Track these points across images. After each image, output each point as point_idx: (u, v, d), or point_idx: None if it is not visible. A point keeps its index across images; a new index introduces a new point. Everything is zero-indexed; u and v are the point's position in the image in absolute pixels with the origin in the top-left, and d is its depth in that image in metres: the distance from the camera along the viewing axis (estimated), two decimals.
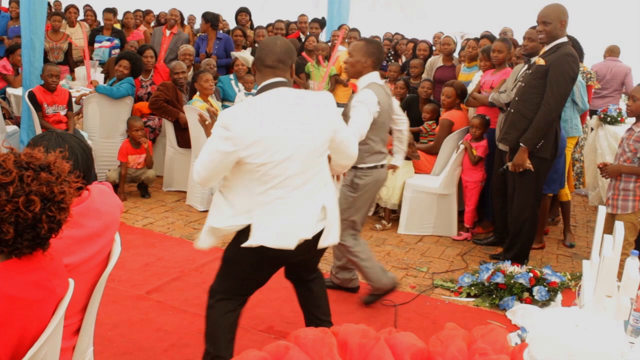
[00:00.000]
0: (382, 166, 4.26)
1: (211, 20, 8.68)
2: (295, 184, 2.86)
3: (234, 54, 7.98)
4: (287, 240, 2.85)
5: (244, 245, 2.84)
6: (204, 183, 2.91)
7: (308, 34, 9.49)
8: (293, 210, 2.87)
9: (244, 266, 3.02)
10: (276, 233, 2.84)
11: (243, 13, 9.42)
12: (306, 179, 2.89)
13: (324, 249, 3.12)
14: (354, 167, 4.14)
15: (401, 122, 4.64)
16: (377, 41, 4.47)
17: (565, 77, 4.75)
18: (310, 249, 2.98)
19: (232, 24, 10.34)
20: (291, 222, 2.86)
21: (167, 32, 9.11)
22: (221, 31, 8.97)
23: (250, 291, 3.21)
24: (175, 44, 9.02)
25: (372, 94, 4.04)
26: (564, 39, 4.83)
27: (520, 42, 6.16)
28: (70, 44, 8.69)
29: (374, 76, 4.19)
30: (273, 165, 2.78)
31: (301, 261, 3.18)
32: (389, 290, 4.40)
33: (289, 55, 2.95)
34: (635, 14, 9.80)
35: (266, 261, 2.97)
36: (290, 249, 2.84)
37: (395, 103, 4.51)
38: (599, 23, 9.90)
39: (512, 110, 5.11)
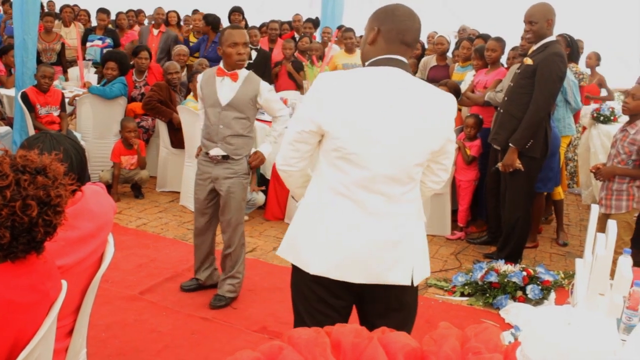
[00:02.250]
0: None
1: (212, 22, 8.68)
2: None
3: None
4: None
5: None
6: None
7: (302, 34, 9.50)
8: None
9: None
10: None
11: (236, 13, 9.41)
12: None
13: None
14: None
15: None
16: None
17: (552, 77, 4.76)
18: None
19: (225, 24, 10.33)
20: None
21: (155, 32, 9.10)
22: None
23: None
24: (165, 42, 9.02)
25: (265, 82, 4.17)
26: (552, 38, 4.84)
27: (509, 41, 6.20)
28: (63, 45, 8.67)
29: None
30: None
31: None
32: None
33: (418, 38, 2.49)
34: (636, 14, 9.82)
35: None
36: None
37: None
38: (599, 23, 9.91)
39: (501, 111, 5.13)
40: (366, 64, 2.41)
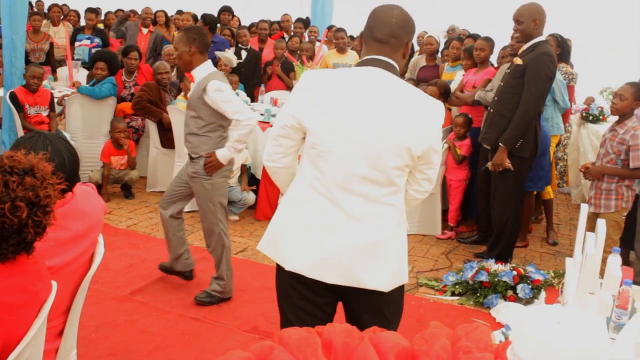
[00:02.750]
0: None
1: (210, 23, 8.67)
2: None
3: (218, 53, 7.95)
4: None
5: None
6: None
7: (292, 34, 9.49)
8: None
9: None
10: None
11: (225, 12, 9.39)
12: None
13: None
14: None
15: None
16: (193, 26, 4.50)
17: (542, 77, 4.78)
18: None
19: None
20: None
21: (145, 31, 9.07)
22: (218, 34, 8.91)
23: None
24: (154, 41, 8.99)
25: (223, 83, 4.09)
26: (541, 38, 4.87)
27: (499, 41, 6.22)
28: (51, 44, 8.63)
29: (210, 65, 4.16)
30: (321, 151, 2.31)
31: None
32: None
33: (406, 30, 2.37)
34: (635, 14, 9.85)
35: None
36: None
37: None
38: (599, 23, 9.95)
39: (491, 110, 5.15)
40: (360, 60, 2.42)
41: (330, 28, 9.39)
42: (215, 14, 9.43)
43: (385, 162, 2.27)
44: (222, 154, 4.13)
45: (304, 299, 2.40)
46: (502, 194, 5.15)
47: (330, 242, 2.30)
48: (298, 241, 2.34)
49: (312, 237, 2.32)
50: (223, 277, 4.33)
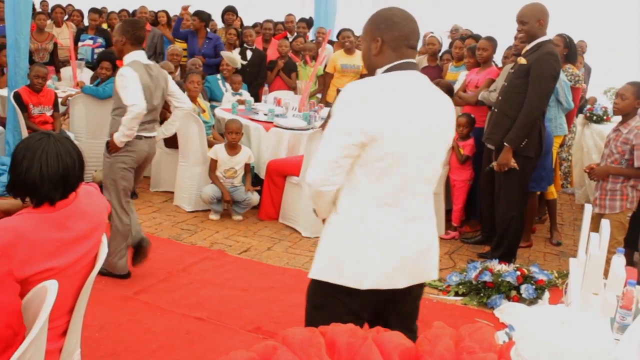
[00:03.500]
0: (141, 137, 4.48)
1: (206, 19, 8.68)
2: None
3: (222, 54, 7.97)
4: None
5: None
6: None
7: (296, 34, 9.49)
8: None
9: None
10: None
11: (230, 12, 9.40)
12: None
13: None
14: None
15: (179, 101, 4.81)
16: (131, 19, 4.78)
17: (546, 76, 4.78)
18: None
19: (219, 24, 10.31)
20: None
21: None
22: (209, 30, 8.95)
23: None
24: (151, 40, 9.00)
25: (131, 70, 4.27)
26: (545, 38, 4.86)
27: (502, 41, 6.21)
28: (55, 44, 8.64)
29: (137, 55, 4.41)
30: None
31: None
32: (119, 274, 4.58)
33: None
34: (636, 14, 9.84)
35: None
36: None
37: (172, 83, 4.76)
38: (599, 23, 9.93)
39: (496, 110, 5.15)
40: (381, 70, 2.43)
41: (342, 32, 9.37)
42: (218, 14, 9.45)
43: (439, 159, 2.48)
44: (116, 136, 4.36)
45: (352, 314, 2.41)
46: (506, 194, 5.14)
47: (401, 249, 2.39)
48: (370, 258, 2.37)
49: (385, 250, 2.37)
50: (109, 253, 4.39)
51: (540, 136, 4.96)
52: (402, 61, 2.40)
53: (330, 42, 9.17)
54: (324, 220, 2.54)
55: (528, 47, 4.90)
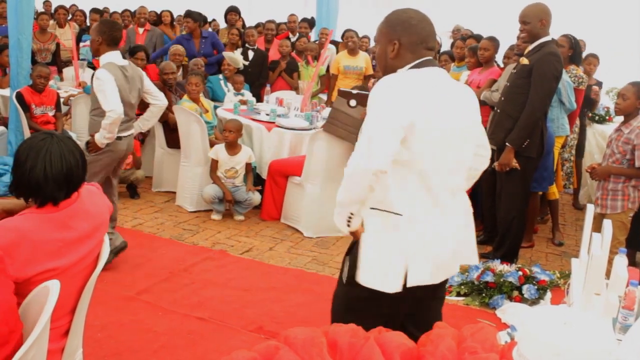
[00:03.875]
0: (121, 138, 4.62)
1: (200, 19, 8.67)
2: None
3: (224, 54, 7.97)
4: None
5: None
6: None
7: (298, 34, 9.49)
8: None
9: None
10: None
11: (233, 12, 9.40)
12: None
13: None
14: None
15: (154, 98, 4.97)
16: (109, 20, 4.87)
17: (548, 76, 4.78)
18: None
19: (221, 24, 10.32)
20: None
21: (140, 30, 9.08)
22: (210, 30, 8.93)
23: None
24: (150, 40, 9.00)
25: (105, 72, 4.37)
26: (548, 38, 4.86)
27: (504, 41, 6.20)
28: (58, 45, 8.65)
29: (112, 56, 4.49)
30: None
31: None
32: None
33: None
34: (636, 14, 9.81)
35: None
36: None
37: (147, 81, 4.89)
38: (599, 23, 9.90)
39: (498, 110, 5.15)
40: (406, 68, 2.44)
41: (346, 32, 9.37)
42: (220, 14, 9.45)
43: (470, 149, 2.55)
44: (97, 137, 4.50)
45: (385, 316, 2.43)
46: (508, 194, 5.13)
47: (442, 244, 2.44)
48: (415, 256, 2.40)
49: (428, 247, 2.41)
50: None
51: (542, 136, 4.96)
52: (421, 60, 2.43)
53: (333, 43, 9.16)
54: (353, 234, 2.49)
55: (530, 47, 4.90)
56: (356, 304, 2.51)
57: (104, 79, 4.36)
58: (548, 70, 4.76)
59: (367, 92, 5.87)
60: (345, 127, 5.48)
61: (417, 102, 2.30)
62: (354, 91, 5.64)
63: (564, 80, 5.55)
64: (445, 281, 2.67)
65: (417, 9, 2.51)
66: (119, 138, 4.59)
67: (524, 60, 4.90)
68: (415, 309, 2.59)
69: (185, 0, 9.56)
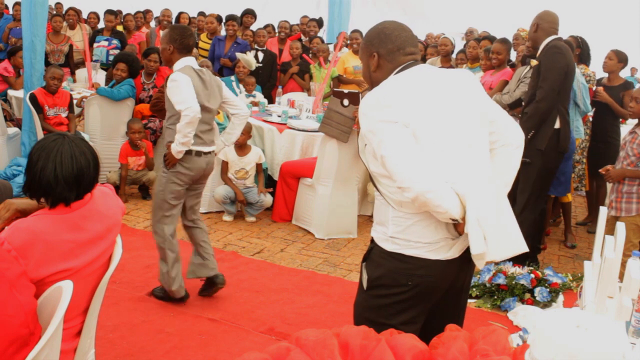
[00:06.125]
0: (200, 154, 4.19)
1: (221, 21, 8.77)
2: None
3: (238, 55, 7.98)
4: None
5: None
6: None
7: (311, 36, 9.50)
8: None
9: None
10: None
11: (249, 15, 9.41)
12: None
13: None
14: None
15: (235, 107, 4.48)
16: (179, 26, 4.43)
17: (555, 66, 4.86)
18: None
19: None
20: None
21: (162, 33, 9.11)
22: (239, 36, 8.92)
23: None
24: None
25: (181, 74, 4.01)
26: (552, 38, 4.94)
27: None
28: (71, 46, 8.70)
29: (187, 61, 4.13)
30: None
31: None
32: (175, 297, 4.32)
33: (417, 43, 2.59)
34: (636, 14, 9.78)
35: None
36: None
37: (226, 90, 4.44)
38: (599, 22, 9.88)
39: (521, 114, 5.22)
40: (394, 73, 2.43)
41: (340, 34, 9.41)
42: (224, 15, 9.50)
43: (483, 132, 2.47)
44: (173, 147, 4.09)
45: (407, 323, 2.40)
46: (520, 194, 5.06)
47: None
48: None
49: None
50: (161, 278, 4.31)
51: (557, 134, 4.92)
52: (402, 65, 2.43)
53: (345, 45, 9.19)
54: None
55: (540, 50, 4.99)
56: (378, 310, 2.47)
57: (179, 80, 3.98)
58: (553, 61, 4.87)
59: (357, 92, 5.94)
60: (338, 127, 5.57)
61: (407, 104, 2.29)
62: (346, 91, 5.78)
63: (579, 82, 5.53)
64: (471, 276, 2.63)
65: (394, 20, 2.55)
66: (198, 154, 4.17)
67: (534, 62, 4.99)
68: (442, 304, 2.54)
69: (200, 1, 9.60)
